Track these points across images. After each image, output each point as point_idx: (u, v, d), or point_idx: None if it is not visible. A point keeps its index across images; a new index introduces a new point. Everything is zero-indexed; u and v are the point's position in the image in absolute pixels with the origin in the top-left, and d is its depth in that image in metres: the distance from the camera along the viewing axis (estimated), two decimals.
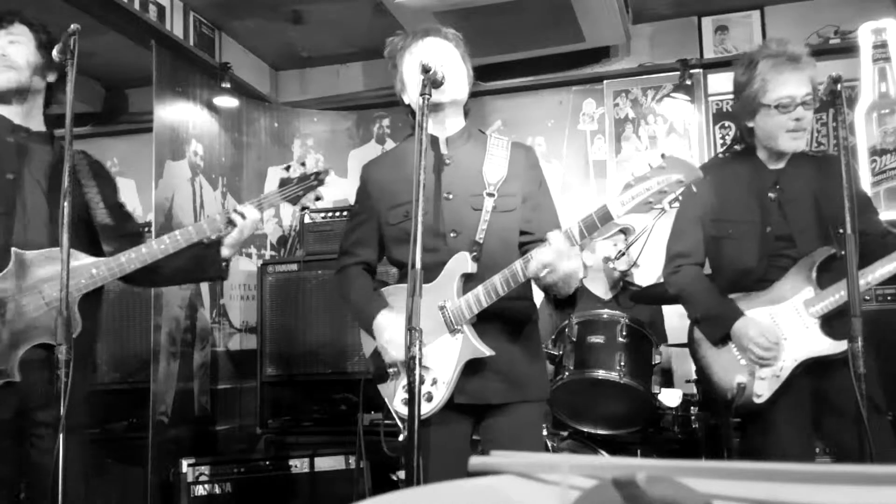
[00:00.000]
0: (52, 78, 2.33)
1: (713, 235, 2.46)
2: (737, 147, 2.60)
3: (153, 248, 2.20)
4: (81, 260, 2.16)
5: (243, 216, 2.26)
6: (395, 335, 2.02)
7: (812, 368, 2.28)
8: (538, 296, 2.27)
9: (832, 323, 2.28)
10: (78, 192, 2.26)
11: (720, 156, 3.86)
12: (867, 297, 3.12)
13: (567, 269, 1.86)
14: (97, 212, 2.29)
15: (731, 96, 4.28)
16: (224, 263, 2.35)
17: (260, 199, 2.30)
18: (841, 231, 2.08)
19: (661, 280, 2.69)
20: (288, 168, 2.35)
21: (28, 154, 2.24)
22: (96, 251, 2.26)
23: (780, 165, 2.42)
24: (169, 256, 2.22)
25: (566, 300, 2.04)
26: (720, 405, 2.48)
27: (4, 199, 2.16)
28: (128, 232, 2.37)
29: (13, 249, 2.14)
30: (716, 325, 2.39)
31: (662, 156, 1.76)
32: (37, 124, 2.32)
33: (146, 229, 4.04)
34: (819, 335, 2.28)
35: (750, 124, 2.42)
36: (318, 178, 2.28)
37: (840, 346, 2.22)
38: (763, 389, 2.30)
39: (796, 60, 2.33)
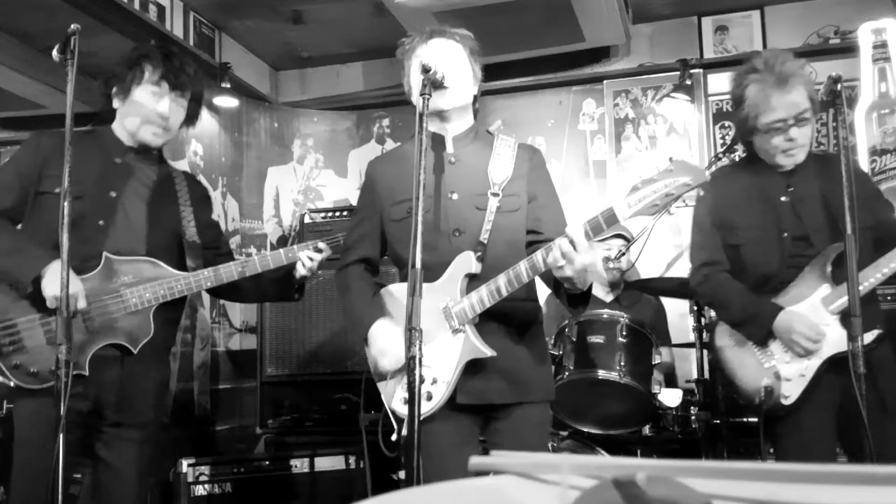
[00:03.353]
0: (191, 129, 2.59)
1: (731, 244, 2.43)
2: (742, 153, 2.57)
3: (230, 270, 2.34)
4: (166, 271, 2.29)
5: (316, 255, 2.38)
6: (388, 345, 2.03)
7: (838, 365, 2.21)
8: (542, 296, 2.26)
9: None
10: (175, 211, 2.42)
11: (724, 160, 3.81)
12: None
13: (584, 261, 1.82)
14: (188, 230, 2.42)
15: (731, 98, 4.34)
16: (298, 286, 2.47)
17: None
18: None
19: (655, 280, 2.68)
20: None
21: (134, 173, 2.41)
22: (184, 267, 2.37)
23: (789, 167, 2.38)
24: (248, 278, 2.36)
25: (580, 297, 1.99)
26: (749, 409, 2.43)
27: (106, 213, 2.30)
28: (212, 251, 2.49)
29: (104, 253, 2.24)
30: (756, 325, 2.34)
31: (670, 159, 1.75)
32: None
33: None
34: (840, 331, 2.23)
35: (749, 139, 2.41)
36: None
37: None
38: (790, 390, 2.27)
39: (784, 82, 2.26)
